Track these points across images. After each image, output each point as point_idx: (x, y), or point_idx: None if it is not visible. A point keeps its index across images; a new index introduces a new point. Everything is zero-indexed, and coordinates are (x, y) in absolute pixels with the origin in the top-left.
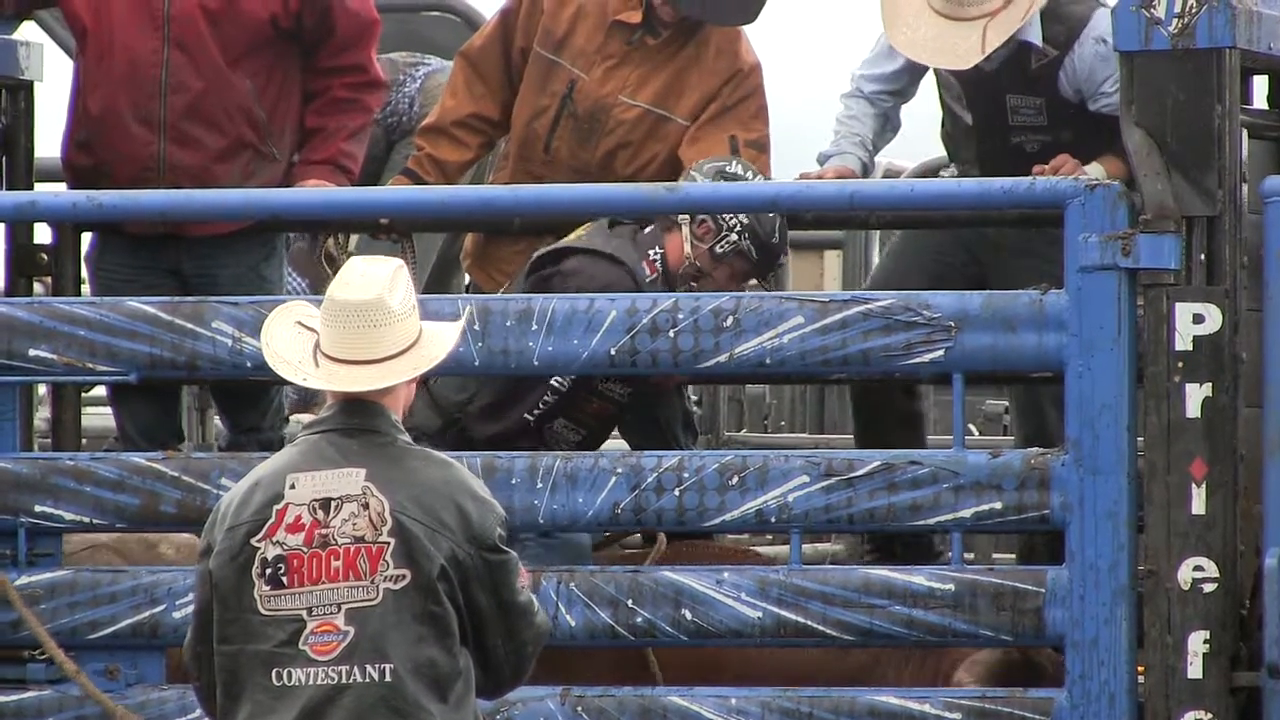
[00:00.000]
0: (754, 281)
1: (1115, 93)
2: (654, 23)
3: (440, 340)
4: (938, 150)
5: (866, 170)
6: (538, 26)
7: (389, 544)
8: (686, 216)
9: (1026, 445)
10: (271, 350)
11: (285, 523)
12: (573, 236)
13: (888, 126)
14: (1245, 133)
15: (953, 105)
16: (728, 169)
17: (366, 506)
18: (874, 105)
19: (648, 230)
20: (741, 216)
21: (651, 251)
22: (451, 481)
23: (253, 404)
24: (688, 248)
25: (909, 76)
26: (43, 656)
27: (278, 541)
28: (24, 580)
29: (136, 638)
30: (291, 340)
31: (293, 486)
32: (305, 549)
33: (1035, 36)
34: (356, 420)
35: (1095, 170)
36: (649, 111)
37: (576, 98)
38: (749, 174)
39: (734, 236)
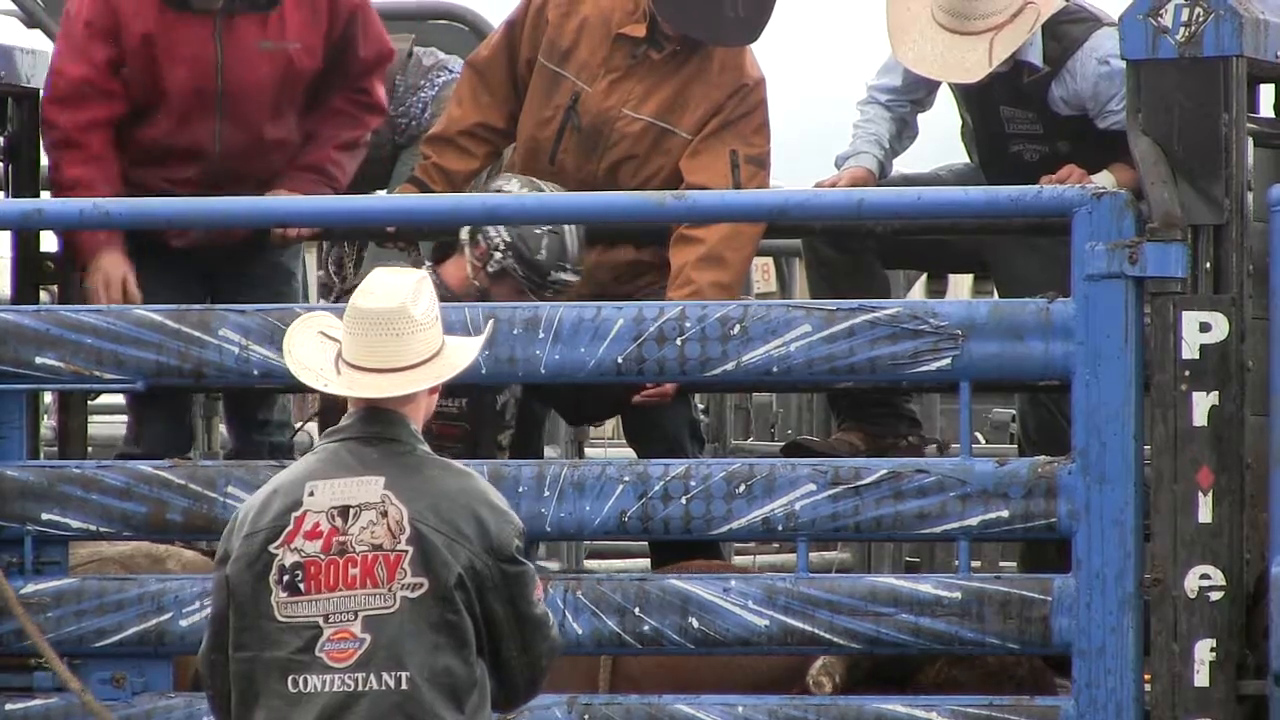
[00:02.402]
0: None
1: (1123, 110)
2: (658, 36)
3: (463, 351)
4: (948, 160)
5: (884, 169)
6: (543, 38)
7: (407, 552)
8: (467, 239)
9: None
10: (294, 358)
11: (304, 530)
12: None
13: (905, 132)
14: (1251, 141)
15: (959, 108)
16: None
17: (385, 514)
18: (890, 110)
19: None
20: (505, 234)
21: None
22: (470, 491)
23: (260, 398)
24: (469, 269)
25: (925, 88)
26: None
27: (296, 548)
28: (31, 588)
29: (143, 646)
30: (314, 349)
31: (311, 494)
32: (323, 556)
33: (1035, 56)
34: (376, 428)
35: (1105, 179)
36: (652, 125)
37: (580, 110)
38: (516, 187)
39: (498, 255)
